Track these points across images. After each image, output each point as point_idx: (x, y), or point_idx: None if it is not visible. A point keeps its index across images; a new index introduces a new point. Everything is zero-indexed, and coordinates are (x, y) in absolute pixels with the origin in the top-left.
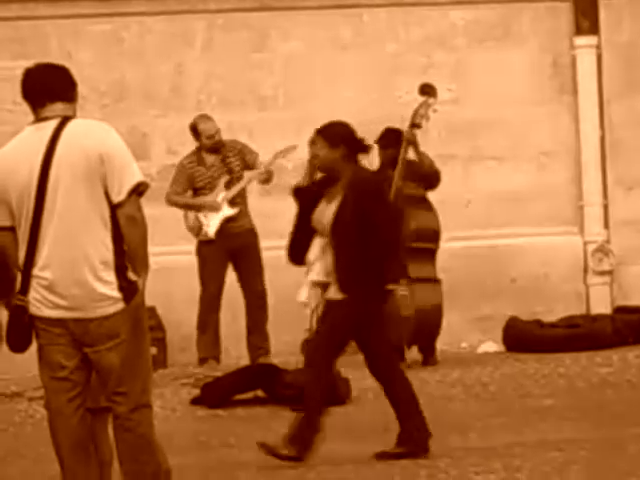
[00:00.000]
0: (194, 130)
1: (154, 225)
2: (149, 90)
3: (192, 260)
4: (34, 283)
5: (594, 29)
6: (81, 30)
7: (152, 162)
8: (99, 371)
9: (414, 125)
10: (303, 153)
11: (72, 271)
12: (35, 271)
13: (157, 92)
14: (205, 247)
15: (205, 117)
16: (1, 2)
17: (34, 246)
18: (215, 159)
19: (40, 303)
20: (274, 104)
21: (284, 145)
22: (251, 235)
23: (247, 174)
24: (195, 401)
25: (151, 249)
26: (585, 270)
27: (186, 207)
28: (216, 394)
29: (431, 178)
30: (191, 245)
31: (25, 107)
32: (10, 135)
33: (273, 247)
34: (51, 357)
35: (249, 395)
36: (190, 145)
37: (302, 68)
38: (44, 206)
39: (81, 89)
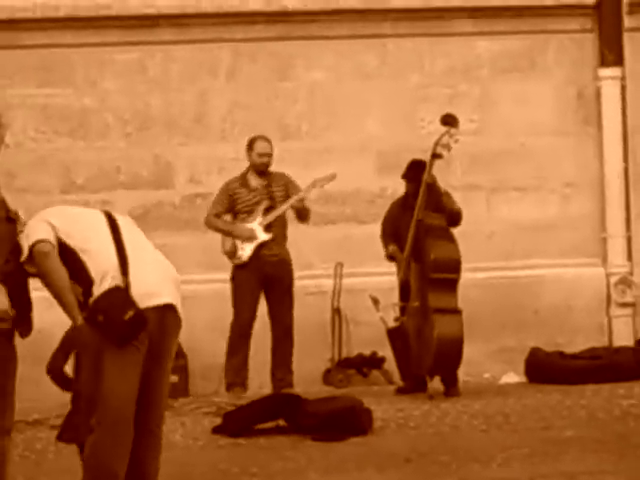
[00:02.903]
0: (249, 145)
1: (177, 253)
2: (173, 119)
3: (214, 288)
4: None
5: (619, 61)
6: (106, 58)
7: (175, 191)
8: (154, 394)
9: (435, 156)
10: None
11: (161, 268)
12: (130, 270)
13: (181, 121)
14: (239, 273)
15: (264, 137)
16: (27, 30)
17: (123, 252)
18: (259, 184)
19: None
20: (298, 133)
21: (311, 175)
22: (285, 266)
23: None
24: (216, 430)
25: None
26: (608, 302)
27: (224, 233)
28: (237, 423)
29: (454, 218)
30: (212, 274)
31: (48, 135)
32: (34, 160)
33: (295, 277)
34: (135, 373)
35: (271, 424)
36: (215, 174)
37: (326, 97)
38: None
39: (106, 117)
